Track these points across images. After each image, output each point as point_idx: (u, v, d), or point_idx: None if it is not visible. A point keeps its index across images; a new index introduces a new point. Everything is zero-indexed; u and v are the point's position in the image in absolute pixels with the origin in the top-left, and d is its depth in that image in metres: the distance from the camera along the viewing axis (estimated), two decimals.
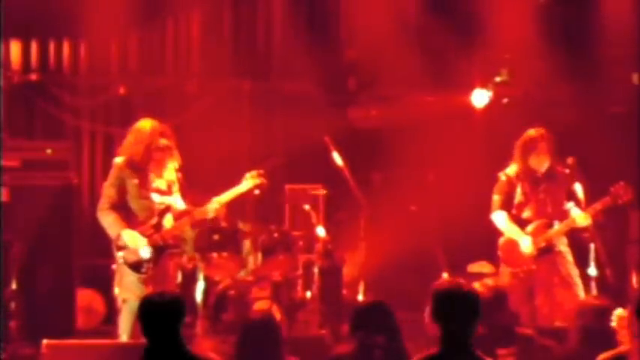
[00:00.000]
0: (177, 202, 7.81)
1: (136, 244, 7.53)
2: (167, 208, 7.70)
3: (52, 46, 10.80)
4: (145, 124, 7.75)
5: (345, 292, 9.62)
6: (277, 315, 8.24)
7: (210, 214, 7.84)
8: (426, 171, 10.80)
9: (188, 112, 10.80)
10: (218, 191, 7.88)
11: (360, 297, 8.91)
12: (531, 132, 8.09)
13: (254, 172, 8.05)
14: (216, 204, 7.78)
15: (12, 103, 10.20)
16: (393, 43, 10.59)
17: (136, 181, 7.64)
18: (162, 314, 5.05)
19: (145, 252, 7.55)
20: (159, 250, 7.61)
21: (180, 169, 7.76)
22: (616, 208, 8.04)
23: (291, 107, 10.98)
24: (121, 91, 10.91)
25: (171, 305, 5.10)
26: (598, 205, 7.87)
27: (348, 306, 8.66)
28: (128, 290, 7.57)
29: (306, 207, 9.36)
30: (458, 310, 4.62)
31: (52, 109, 10.74)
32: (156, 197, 7.68)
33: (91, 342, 7.43)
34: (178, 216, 7.76)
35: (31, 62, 10.76)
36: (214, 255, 8.86)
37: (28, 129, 10.66)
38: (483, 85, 10.93)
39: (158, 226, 7.65)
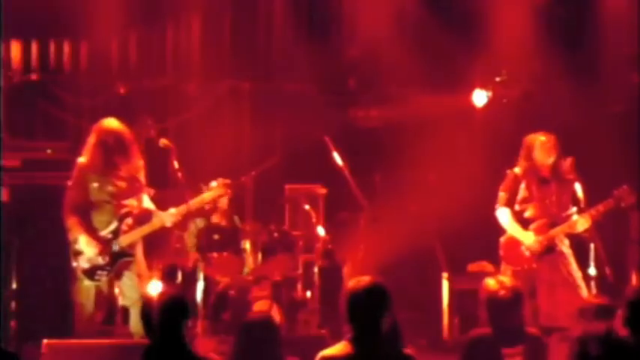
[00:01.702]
0: (144, 201, 7.69)
1: (92, 250, 7.48)
2: (127, 214, 7.60)
3: (52, 46, 10.81)
4: (102, 125, 7.67)
5: None
6: (277, 315, 8.27)
7: (167, 224, 7.70)
8: (426, 171, 10.79)
9: (188, 112, 10.80)
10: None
11: None
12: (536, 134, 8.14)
13: (220, 181, 7.97)
14: (172, 216, 7.63)
15: (12, 103, 10.19)
16: (394, 43, 10.60)
17: (96, 184, 7.55)
18: (161, 313, 5.05)
19: (100, 259, 7.49)
20: (115, 257, 7.55)
21: (181, 169, 7.72)
22: (618, 211, 8.04)
23: (291, 107, 10.98)
24: (121, 91, 10.91)
25: (171, 304, 5.09)
26: (600, 207, 7.86)
27: None
28: (82, 294, 7.57)
29: (306, 207, 9.35)
30: (362, 309, 4.96)
31: (53, 109, 10.74)
32: (116, 200, 7.58)
33: (91, 342, 7.42)
34: (137, 219, 7.64)
35: (31, 62, 10.76)
36: (214, 255, 8.86)
37: (29, 129, 10.64)
38: (483, 85, 10.93)
39: (116, 232, 7.58)
